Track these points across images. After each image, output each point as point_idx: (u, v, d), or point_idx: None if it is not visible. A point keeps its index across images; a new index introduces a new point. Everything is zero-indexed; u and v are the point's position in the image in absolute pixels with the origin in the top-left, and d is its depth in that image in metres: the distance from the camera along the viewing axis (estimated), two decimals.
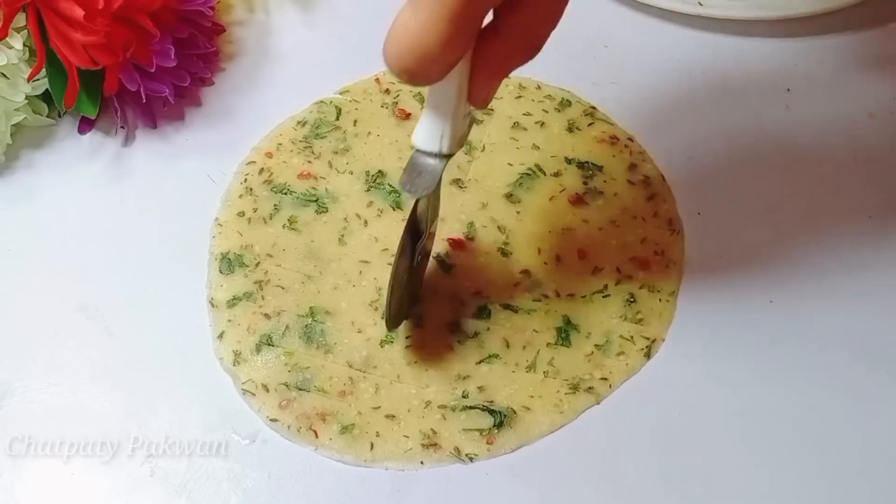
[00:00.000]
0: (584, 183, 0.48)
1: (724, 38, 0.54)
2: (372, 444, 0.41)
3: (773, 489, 0.40)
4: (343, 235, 0.47)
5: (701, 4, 0.54)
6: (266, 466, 0.41)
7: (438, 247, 0.46)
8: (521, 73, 0.52)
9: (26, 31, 0.46)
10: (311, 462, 0.41)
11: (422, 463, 0.41)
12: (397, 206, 0.47)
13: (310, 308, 0.44)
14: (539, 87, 0.52)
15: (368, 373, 0.43)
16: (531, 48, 0.35)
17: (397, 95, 0.52)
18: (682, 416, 0.42)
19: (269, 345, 0.43)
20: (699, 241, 0.47)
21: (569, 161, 0.49)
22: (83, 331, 0.44)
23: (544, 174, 0.49)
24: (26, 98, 0.47)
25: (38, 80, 0.47)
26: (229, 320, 0.44)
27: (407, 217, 0.39)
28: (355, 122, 0.51)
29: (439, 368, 0.43)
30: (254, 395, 0.42)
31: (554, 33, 0.55)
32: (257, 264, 0.46)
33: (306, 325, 0.44)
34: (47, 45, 0.45)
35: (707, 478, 0.41)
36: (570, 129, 0.50)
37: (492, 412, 0.42)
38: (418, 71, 0.31)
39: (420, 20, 0.30)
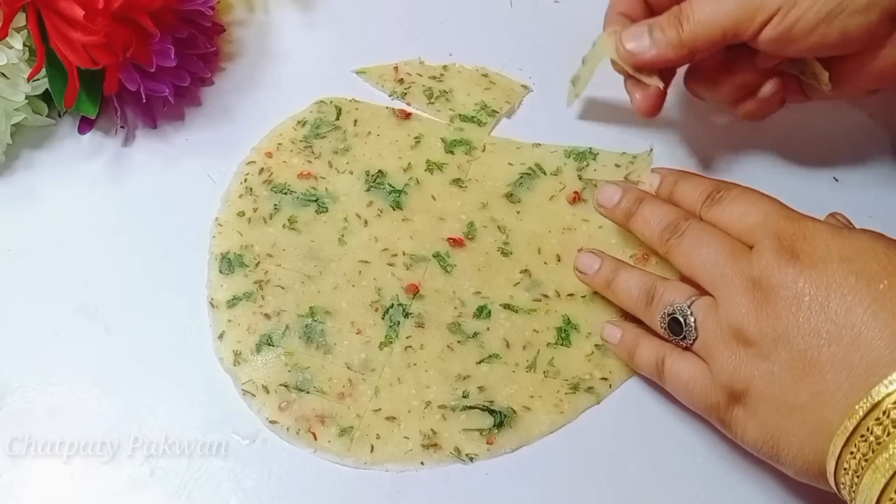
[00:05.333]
0: (580, 177, 0.48)
1: None
2: (372, 447, 0.41)
3: (773, 489, 0.40)
4: (343, 235, 0.47)
5: None
6: (266, 466, 0.41)
7: (438, 247, 0.46)
8: (522, 73, 0.53)
9: (26, 31, 0.46)
10: (312, 462, 0.41)
11: (422, 463, 0.41)
12: (397, 206, 0.47)
13: (310, 308, 0.44)
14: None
15: (367, 376, 0.43)
16: None
17: (409, 87, 0.52)
18: (682, 416, 0.42)
19: (269, 345, 0.43)
20: None
21: (567, 155, 0.49)
22: (83, 331, 0.44)
23: (544, 173, 0.49)
24: (26, 98, 0.47)
25: (38, 80, 0.47)
26: (229, 320, 0.44)
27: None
28: (355, 121, 0.51)
29: (439, 369, 0.43)
30: (254, 395, 0.42)
31: (554, 33, 0.55)
32: (257, 264, 0.46)
33: (306, 325, 0.44)
34: (47, 45, 0.45)
35: (706, 478, 0.41)
36: None
37: (492, 412, 0.42)
38: None
39: None
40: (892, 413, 0.32)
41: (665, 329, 0.40)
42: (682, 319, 0.39)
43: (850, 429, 0.33)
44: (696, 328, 0.39)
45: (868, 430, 0.32)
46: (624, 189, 0.45)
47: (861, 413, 0.33)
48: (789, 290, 0.35)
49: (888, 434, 0.32)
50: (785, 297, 0.35)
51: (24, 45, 0.46)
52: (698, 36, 0.42)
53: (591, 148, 0.49)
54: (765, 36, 0.41)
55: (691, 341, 0.39)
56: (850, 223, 0.42)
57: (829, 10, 0.39)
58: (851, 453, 0.33)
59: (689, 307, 0.39)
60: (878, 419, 0.32)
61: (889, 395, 0.32)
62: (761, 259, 0.37)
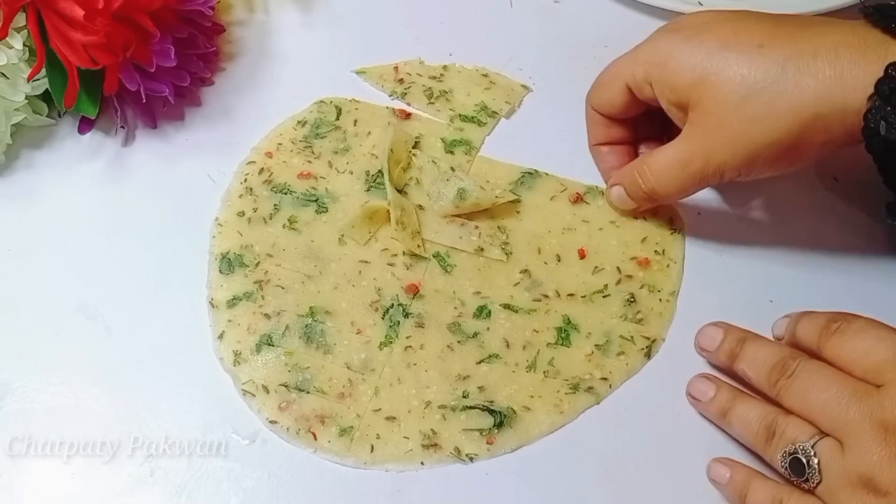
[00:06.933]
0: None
1: None
2: (372, 447, 0.41)
3: None
4: (343, 235, 0.47)
5: (701, 4, 0.54)
6: (266, 466, 0.41)
7: (438, 246, 0.46)
8: (522, 73, 0.53)
9: (26, 31, 0.46)
10: (312, 462, 0.41)
11: (422, 463, 0.41)
12: None
13: (310, 308, 0.44)
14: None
15: (367, 376, 0.43)
16: None
17: (409, 87, 0.52)
18: (682, 416, 0.42)
19: (269, 345, 0.43)
20: (699, 240, 0.47)
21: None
22: (83, 331, 0.44)
23: (546, 173, 0.49)
24: (26, 98, 0.47)
25: (38, 80, 0.47)
26: (229, 320, 0.44)
27: None
28: (355, 122, 0.51)
29: (439, 369, 0.43)
30: (254, 395, 0.42)
31: (554, 33, 0.55)
32: (257, 264, 0.46)
33: (306, 325, 0.44)
34: (47, 45, 0.45)
35: (706, 478, 0.41)
36: None
37: (492, 412, 0.42)
38: None
39: None
40: None
41: (786, 469, 0.37)
42: (805, 461, 0.36)
43: None
44: (819, 471, 0.36)
45: None
46: (726, 329, 0.42)
47: None
48: None
49: None
50: None
51: (24, 45, 0.46)
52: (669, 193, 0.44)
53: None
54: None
55: (814, 484, 0.36)
56: None
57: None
58: None
59: (812, 447, 0.36)
60: None
61: None
62: (895, 401, 0.35)
